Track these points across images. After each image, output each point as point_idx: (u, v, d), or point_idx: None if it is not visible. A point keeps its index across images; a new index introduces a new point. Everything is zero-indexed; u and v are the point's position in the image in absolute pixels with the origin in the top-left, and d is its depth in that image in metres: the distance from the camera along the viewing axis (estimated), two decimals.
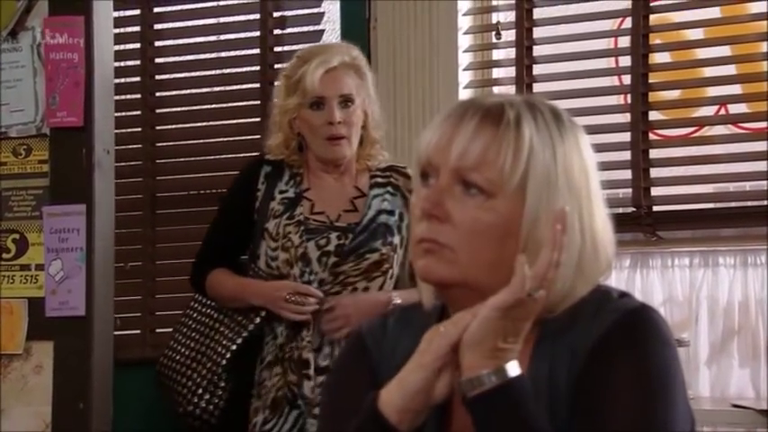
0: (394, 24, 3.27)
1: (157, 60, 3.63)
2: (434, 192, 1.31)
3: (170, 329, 2.80)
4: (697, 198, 3.08)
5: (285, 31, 3.50)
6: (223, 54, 3.60)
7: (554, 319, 1.30)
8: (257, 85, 3.47)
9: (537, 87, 3.20)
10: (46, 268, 2.82)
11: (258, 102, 3.44)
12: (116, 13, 3.04)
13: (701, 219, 3.04)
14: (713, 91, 3.09)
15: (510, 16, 3.25)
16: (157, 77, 3.63)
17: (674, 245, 3.08)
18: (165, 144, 3.61)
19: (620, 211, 3.05)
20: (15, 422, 2.81)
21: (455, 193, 1.30)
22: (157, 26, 3.63)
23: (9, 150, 2.88)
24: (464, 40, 3.30)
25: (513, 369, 1.24)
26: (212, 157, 3.51)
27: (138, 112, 3.58)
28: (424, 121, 3.21)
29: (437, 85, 3.23)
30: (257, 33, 3.47)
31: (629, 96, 3.12)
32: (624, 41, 3.13)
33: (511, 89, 3.22)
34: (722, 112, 3.10)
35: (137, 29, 3.60)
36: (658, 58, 3.13)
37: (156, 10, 3.62)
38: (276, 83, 2.74)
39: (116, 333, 2.96)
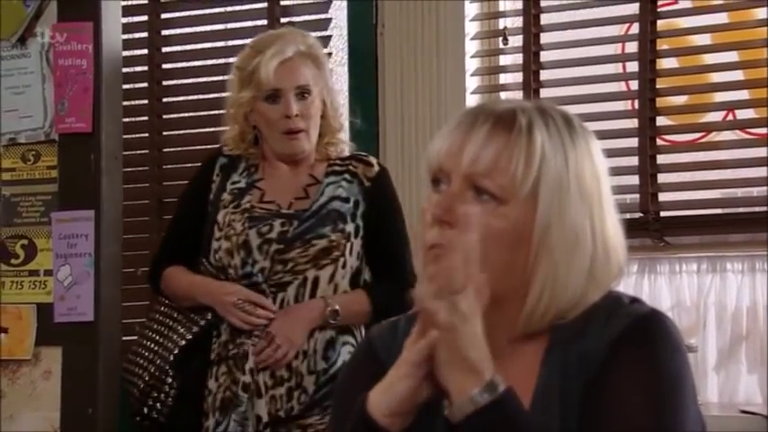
0: (401, 30, 3.28)
1: (165, 66, 3.63)
2: (446, 198, 1.31)
3: None
4: (704, 203, 3.08)
5: None
6: (230, 60, 3.60)
7: (565, 326, 1.31)
8: None
9: (544, 93, 3.20)
10: (54, 274, 2.82)
11: None
12: (124, 19, 3.05)
13: (708, 224, 3.04)
14: (721, 96, 3.09)
15: (517, 22, 3.25)
16: (165, 83, 3.63)
17: (682, 250, 3.08)
18: (172, 149, 3.62)
19: (628, 216, 3.03)
20: (24, 427, 2.81)
21: (467, 199, 1.30)
22: (165, 32, 3.63)
23: (18, 156, 2.89)
24: (471, 46, 3.30)
25: (500, 382, 1.23)
26: None
27: (146, 118, 3.58)
28: (431, 125, 3.21)
29: (444, 91, 3.23)
30: None
31: (636, 102, 3.12)
32: (631, 47, 3.13)
33: (518, 94, 3.22)
34: (730, 117, 3.10)
35: (144, 35, 3.60)
36: (666, 63, 3.12)
37: (164, 16, 3.62)
38: (230, 75, 2.63)
39: (124, 338, 2.97)
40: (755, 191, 3.13)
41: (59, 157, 2.85)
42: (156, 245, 3.53)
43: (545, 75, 3.23)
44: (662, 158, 3.09)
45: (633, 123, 3.12)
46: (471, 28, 3.30)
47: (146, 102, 3.59)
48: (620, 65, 3.25)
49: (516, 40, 3.24)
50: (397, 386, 1.25)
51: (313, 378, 2.48)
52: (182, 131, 3.62)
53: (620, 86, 3.22)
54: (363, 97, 3.34)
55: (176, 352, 2.51)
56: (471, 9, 3.29)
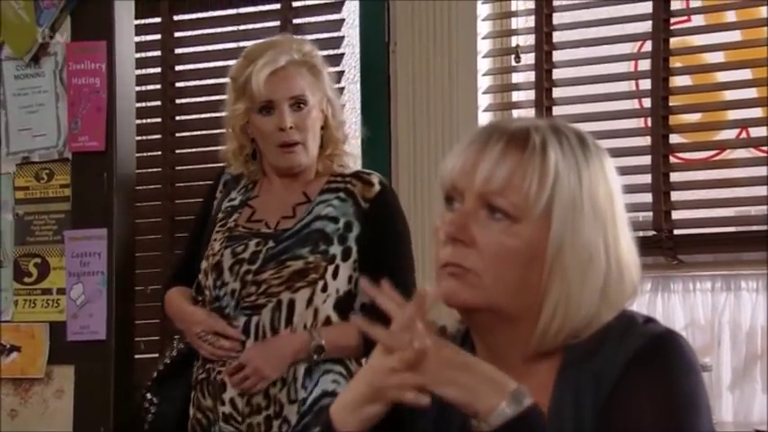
0: (413, 48, 3.28)
1: (178, 84, 3.64)
2: (459, 216, 1.30)
3: None
4: (718, 221, 3.07)
5: None
6: None
7: (579, 345, 1.30)
8: None
9: (557, 110, 3.20)
10: (67, 292, 2.83)
11: None
12: (137, 38, 3.06)
13: (722, 242, 3.03)
14: (734, 114, 3.08)
15: (529, 39, 3.25)
16: (177, 101, 3.64)
17: (696, 268, 3.07)
18: (184, 168, 3.63)
19: (641, 234, 3.03)
20: None
21: (480, 217, 1.30)
22: (178, 51, 3.65)
23: (31, 175, 2.90)
24: (483, 64, 3.30)
25: (524, 392, 1.23)
26: None
27: (159, 136, 3.59)
28: (443, 143, 3.21)
29: (456, 108, 3.23)
30: None
31: (649, 119, 3.11)
32: (644, 64, 3.13)
33: (530, 112, 3.22)
34: (743, 135, 3.09)
35: (157, 53, 3.62)
36: (679, 81, 3.12)
37: (177, 35, 3.64)
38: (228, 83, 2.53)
39: (137, 356, 2.97)
40: None
41: (72, 175, 2.86)
42: (168, 263, 3.54)
43: (557, 92, 3.23)
44: (675, 176, 3.08)
45: (646, 141, 3.11)
46: (483, 46, 3.30)
47: (159, 120, 3.60)
48: (633, 82, 3.24)
49: (529, 58, 3.25)
50: (366, 410, 1.25)
51: (295, 407, 2.36)
52: (194, 149, 3.62)
53: (633, 104, 3.22)
54: (376, 115, 3.34)
55: (154, 375, 2.48)
56: (483, 27, 3.30)
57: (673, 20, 3.09)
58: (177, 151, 3.63)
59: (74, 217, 2.85)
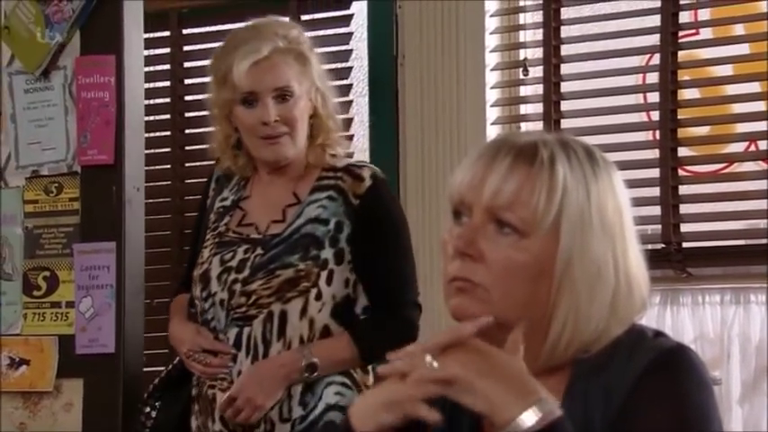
0: (421, 62, 3.29)
1: (187, 98, 3.65)
2: (467, 230, 1.30)
3: None
4: (727, 235, 3.06)
5: None
6: None
7: (588, 359, 1.30)
8: None
9: (565, 123, 3.20)
10: (76, 305, 2.82)
11: None
12: (146, 52, 3.07)
13: (731, 255, 3.02)
14: (743, 127, 3.08)
15: (538, 53, 3.26)
16: (187, 115, 3.65)
17: (705, 282, 3.06)
18: (193, 181, 3.63)
19: (650, 247, 3.03)
20: None
21: (488, 231, 1.30)
22: (187, 64, 3.66)
23: (40, 188, 2.90)
24: (491, 77, 3.30)
25: (551, 407, 1.21)
26: None
27: (168, 150, 3.60)
28: (451, 156, 3.22)
29: (465, 121, 3.23)
30: None
31: (657, 132, 3.11)
32: (653, 78, 3.13)
33: (538, 125, 3.22)
34: (752, 148, 3.09)
35: (167, 67, 3.63)
36: (687, 94, 3.12)
37: (186, 48, 3.65)
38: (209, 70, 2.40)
39: (146, 369, 2.97)
40: None
41: (81, 188, 2.86)
42: (177, 276, 3.55)
43: (566, 105, 3.23)
44: (684, 189, 3.08)
45: (654, 154, 3.11)
46: (492, 59, 3.31)
47: (168, 133, 3.61)
48: (642, 95, 3.24)
49: (537, 71, 3.25)
50: (383, 416, 1.24)
51: (287, 426, 2.23)
52: (204, 163, 3.62)
53: (641, 117, 3.22)
54: (384, 128, 3.35)
55: (150, 389, 2.42)
56: (492, 40, 3.30)
57: (681, 33, 3.10)
58: (186, 164, 3.64)
59: (83, 230, 2.85)
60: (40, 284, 2.88)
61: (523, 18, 3.31)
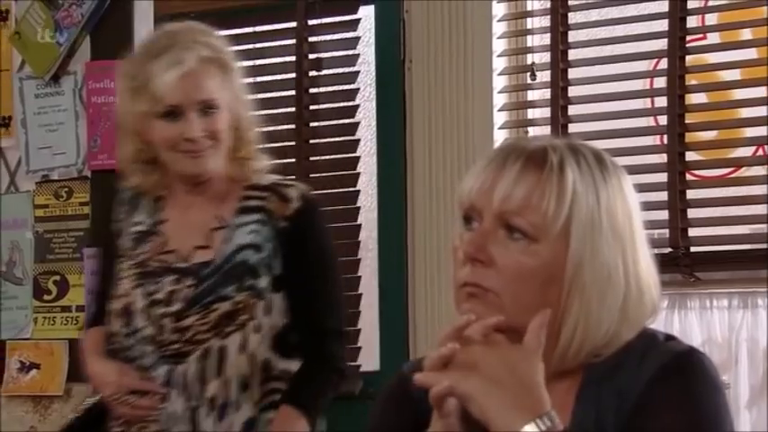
0: (429, 65, 3.29)
1: None
2: (478, 236, 1.31)
3: None
4: (735, 239, 3.06)
5: (321, 73, 3.52)
6: (258, 96, 3.62)
7: (600, 363, 1.30)
8: (292, 126, 3.49)
9: (572, 128, 3.21)
10: (86, 309, 2.84)
11: (294, 143, 3.46)
12: None
13: (739, 260, 3.02)
14: (750, 132, 3.08)
15: (545, 57, 3.26)
16: None
17: (713, 286, 3.06)
18: None
19: (657, 252, 3.02)
20: None
21: (498, 237, 1.30)
22: None
23: (51, 193, 2.92)
24: (499, 81, 3.31)
25: (552, 423, 1.20)
26: None
27: None
28: (458, 160, 3.22)
29: (472, 125, 3.24)
30: (293, 75, 3.50)
31: (665, 137, 3.12)
32: (660, 82, 3.13)
33: (546, 130, 3.22)
34: (759, 152, 3.09)
35: None
36: (695, 98, 3.12)
37: None
38: (119, 77, 2.22)
39: None
40: None
41: (92, 193, 2.87)
42: None
43: (573, 110, 3.23)
44: (691, 193, 3.08)
45: (662, 158, 3.11)
46: (499, 63, 3.31)
47: None
48: (649, 100, 3.25)
49: (544, 76, 3.25)
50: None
51: None
52: None
53: (648, 121, 3.22)
54: (391, 133, 3.36)
55: (66, 430, 2.30)
56: (499, 45, 3.31)
57: (688, 38, 3.10)
58: None
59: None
60: (51, 289, 2.90)
61: (531, 23, 3.31)
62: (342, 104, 3.49)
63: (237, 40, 3.60)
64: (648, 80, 3.25)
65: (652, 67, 3.21)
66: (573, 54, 3.24)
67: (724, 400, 1.28)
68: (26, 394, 2.87)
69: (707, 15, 3.14)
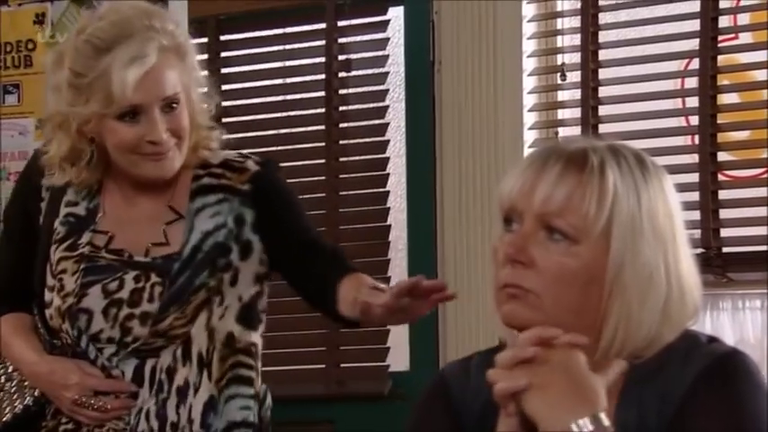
0: (458, 67, 3.29)
1: (224, 104, 3.66)
2: (518, 237, 1.31)
3: None
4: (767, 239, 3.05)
5: (350, 74, 3.53)
6: (288, 97, 3.64)
7: (641, 365, 1.30)
8: (322, 127, 3.50)
9: (603, 128, 3.20)
10: None
11: (323, 144, 3.47)
12: None
13: None
14: None
15: (575, 57, 3.26)
16: (224, 120, 3.67)
17: (745, 286, 3.05)
18: None
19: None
20: None
21: (539, 238, 1.30)
22: (225, 70, 3.68)
23: None
24: (529, 82, 3.31)
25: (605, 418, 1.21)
26: None
27: None
28: (488, 161, 3.22)
29: (502, 126, 3.24)
30: (322, 76, 3.51)
31: (696, 137, 3.10)
32: (691, 82, 3.12)
33: (576, 130, 3.22)
34: None
35: (204, 73, 3.64)
36: (726, 98, 3.11)
37: (224, 54, 3.68)
38: (50, 67, 1.91)
39: None
40: None
41: None
42: None
43: (604, 110, 3.22)
44: (723, 194, 3.07)
45: (694, 159, 3.10)
46: (529, 64, 3.31)
47: None
48: (680, 100, 3.24)
49: (574, 76, 3.25)
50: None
51: None
52: None
53: (679, 122, 3.21)
54: (421, 134, 3.36)
55: None
56: (529, 45, 3.31)
57: (720, 38, 3.09)
58: None
59: None
60: None
61: (561, 23, 3.31)
62: (371, 105, 3.49)
63: (267, 41, 3.63)
64: (679, 80, 3.24)
65: (683, 68, 3.19)
66: (603, 54, 3.23)
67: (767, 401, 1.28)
68: None
69: (739, 15, 3.12)
